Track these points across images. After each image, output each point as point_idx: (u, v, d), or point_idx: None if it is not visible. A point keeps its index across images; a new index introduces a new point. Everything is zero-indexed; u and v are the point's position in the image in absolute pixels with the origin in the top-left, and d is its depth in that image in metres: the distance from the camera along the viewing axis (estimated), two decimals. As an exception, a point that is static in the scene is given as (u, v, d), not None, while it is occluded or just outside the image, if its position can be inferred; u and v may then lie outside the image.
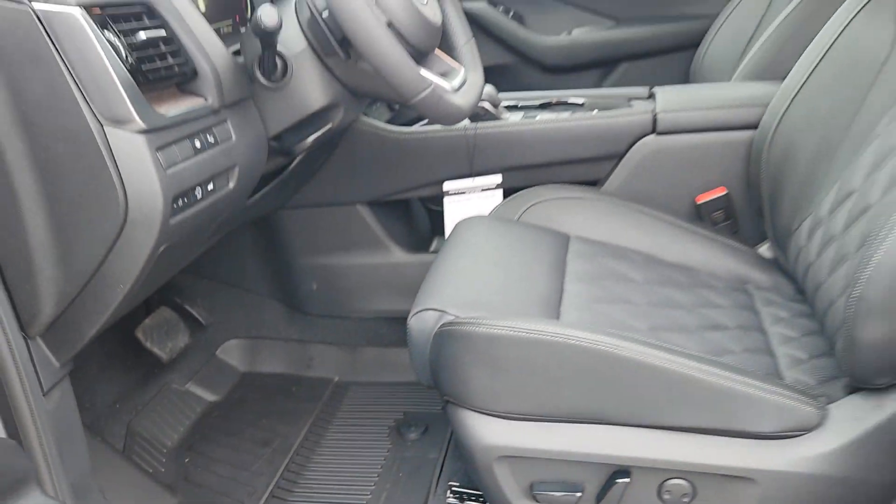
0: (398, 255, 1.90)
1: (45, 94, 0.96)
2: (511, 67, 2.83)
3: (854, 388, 1.15)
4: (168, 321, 1.81)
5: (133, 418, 1.71)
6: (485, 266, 1.43)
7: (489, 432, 1.19)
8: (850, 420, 1.11)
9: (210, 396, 1.90)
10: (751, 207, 1.71)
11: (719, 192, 1.72)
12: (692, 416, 1.13)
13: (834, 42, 1.47)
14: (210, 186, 1.16)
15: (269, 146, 1.33)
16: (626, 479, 1.17)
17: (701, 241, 1.65)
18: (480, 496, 1.39)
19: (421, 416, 1.79)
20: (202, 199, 1.15)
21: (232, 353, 2.02)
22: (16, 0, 0.92)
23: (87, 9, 0.96)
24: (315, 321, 2.01)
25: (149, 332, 1.75)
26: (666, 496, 1.18)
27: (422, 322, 1.29)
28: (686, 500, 1.17)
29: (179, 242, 1.14)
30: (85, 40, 0.95)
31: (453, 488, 1.42)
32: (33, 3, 0.93)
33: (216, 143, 1.16)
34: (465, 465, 1.29)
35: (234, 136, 1.21)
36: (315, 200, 1.87)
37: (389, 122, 1.87)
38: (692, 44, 2.57)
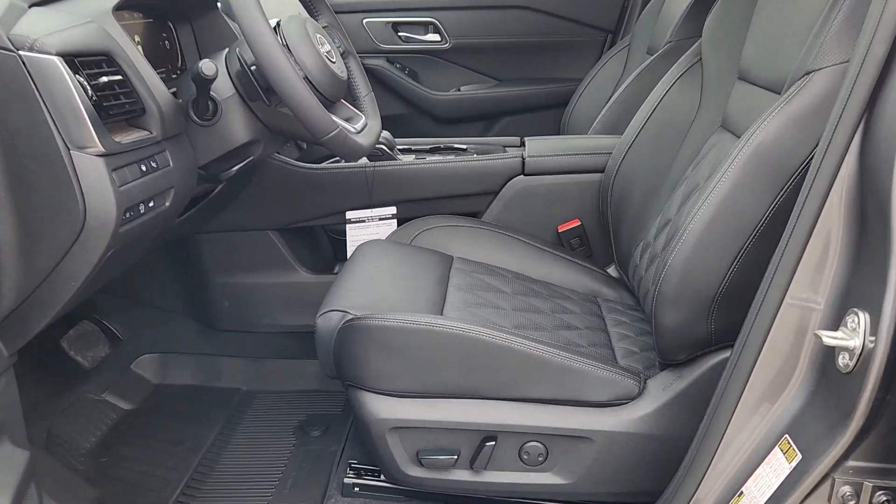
0: (303, 276, 2.15)
1: (24, 123, 1.17)
2: (406, 117, 3.16)
3: (664, 366, 1.49)
4: (89, 333, 1.97)
5: (53, 422, 1.86)
6: (381, 279, 1.71)
7: (382, 408, 1.46)
8: (661, 389, 1.45)
9: (125, 405, 2.06)
10: (601, 235, 2.08)
11: (575, 224, 2.07)
12: (545, 390, 1.44)
13: (657, 105, 1.87)
14: (151, 203, 1.39)
15: (199, 173, 1.57)
16: (493, 443, 1.45)
17: (561, 262, 1.99)
18: (376, 470, 1.64)
19: (323, 417, 2.02)
20: (145, 213, 1.37)
21: (146, 367, 2.18)
22: (6, 49, 1.14)
23: (63, 57, 1.19)
24: (225, 336, 2.21)
25: (72, 342, 1.91)
26: (525, 456, 1.47)
27: (327, 321, 1.55)
28: (541, 459, 1.47)
29: (123, 248, 1.36)
30: (61, 81, 1.17)
31: (352, 464, 1.66)
32: (20, 52, 1.15)
33: (158, 168, 1.39)
34: (362, 439, 1.54)
35: (171, 163, 1.44)
36: (230, 226, 2.10)
37: (298, 159, 2.13)
38: (562, 102, 2.99)
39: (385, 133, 2.07)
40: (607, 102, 2.43)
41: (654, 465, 1.45)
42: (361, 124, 1.64)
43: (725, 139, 1.66)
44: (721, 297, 1.35)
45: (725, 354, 1.38)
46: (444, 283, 1.78)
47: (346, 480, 1.64)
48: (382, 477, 1.62)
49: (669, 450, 1.44)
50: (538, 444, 1.46)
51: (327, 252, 2.32)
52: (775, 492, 1.18)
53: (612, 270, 2.06)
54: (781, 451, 1.21)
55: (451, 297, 1.71)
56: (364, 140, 1.58)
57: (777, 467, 1.20)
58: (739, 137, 1.40)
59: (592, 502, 1.56)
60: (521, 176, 2.09)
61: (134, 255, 1.55)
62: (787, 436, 1.20)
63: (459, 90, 3.16)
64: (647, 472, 1.45)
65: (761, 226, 1.31)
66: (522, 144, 2.21)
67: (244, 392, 2.17)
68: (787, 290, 1.16)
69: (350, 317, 1.51)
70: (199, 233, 2.10)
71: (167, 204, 1.45)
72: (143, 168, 1.35)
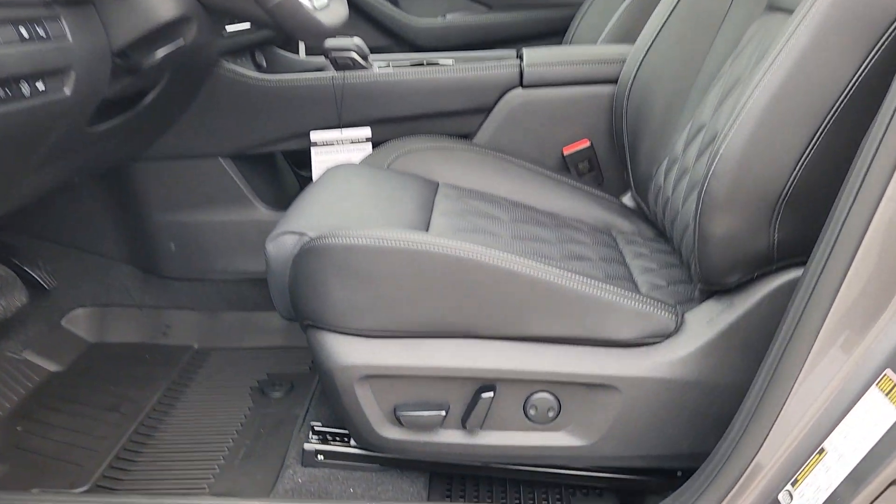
0: (263, 213, 1.82)
1: None
2: (385, 49, 2.82)
3: (707, 295, 1.17)
4: (2, 277, 1.64)
5: (-43, 385, 1.53)
6: (350, 201, 1.39)
7: (349, 352, 1.14)
8: (704, 323, 1.13)
9: (51, 366, 1.73)
10: (614, 158, 1.76)
11: (583, 144, 1.75)
12: (556, 326, 1.12)
13: (678, 2, 1.55)
14: (41, 86, 1.06)
15: (115, 62, 1.24)
16: (491, 395, 1.14)
17: (568, 190, 1.67)
18: (345, 434, 1.33)
19: (286, 376, 1.70)
20: (31, 97, 1.04)
21: (79, 322, 1.85)
22: None
23: None
24: (172, 285, 1.89)
25: (-22, 287, 1.58)
26: (531, 411, 1.16)
27: (280, 247, 1.22)
28: (551, 414, 1.16)
29: (7, 145, 1.03)
30: None
31: (315, 427, 1.34)
32: None
33: (47, 37, 1.06)
34: (327, 394, 1.22)
35: (70, 37, 1.11)
36: (173, 152, 1.76)
37: (255, 73, 1.80)
38: (560, 30, 2.65)
39: (356, 39, 1.73)
40: (615, 13, 2.11)
41: (694, 420, 1.14)
42: (322, 2, 1.30)
43: (773, 21, 1.33)
44: (788, 198, 1.03)
45: (793, 274, 1.08)
46: (428, 209, 1.45)
47: (308, 447, 1.32)
48: (352, 442, 1.30)
49: (715, 401, 1.13)
50: (548, 396, 1.15)
51: (290, 184, 1.99)
52: (875, 447, 0.88)
53: (627, 199, 1.74)
54: (881, 391, 0.90)
55: (437, 221, 1.39)
56: (323, 17, 1.25)
57: (875, 413, 0.90)
58: (793, 12, 1.08)
59: (615, 468, 1.25)
60: (519, 89, 1.76)
61: (30, 164, 1.21)
62: (888, 371, 0.89)
63: (445, 17, 2.81)
64: (686, 430, 1.15)
65: (843, 100, 1.00)
66: (520, 57, 1.88)
67: (196, 350, 1.85)
68: (888, 182, 0.86)
69: (308, 238, 1.18)
70: (137, 160, 1.76)
71: (67, 92, 1.12)
72: (24, 33, 1.01)
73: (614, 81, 1.72)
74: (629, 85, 1.64)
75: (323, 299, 1.14)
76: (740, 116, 1.05)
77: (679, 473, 1.22)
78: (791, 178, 1.02)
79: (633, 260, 1.46)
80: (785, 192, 1.03)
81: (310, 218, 1.27)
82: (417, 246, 1.10)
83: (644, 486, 1.27)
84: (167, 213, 1.82)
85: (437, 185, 1.59)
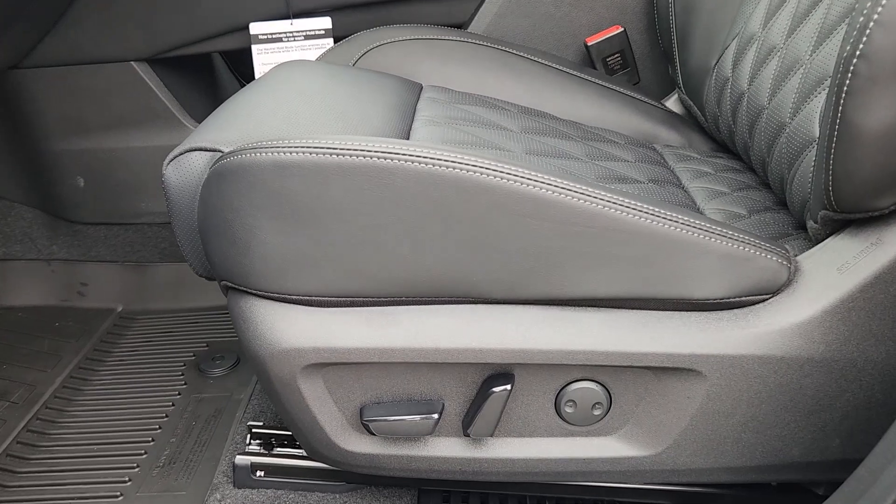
0: (196, 134, 1.40)
1: None
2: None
3: (831, 228, 0.77)
4: None
5: None
6: (296, 105, 0.96)
7: (287, 328, 0.74)
8: (832, 272, 0.73)
9: (-72, 340, 1.34)
10: (654, 48, 1.34)
11: (614, 31, 1.32)
12: (604, 280, 0.72)
13: None
14: None
15: None
16: (507, 387, 0.75)
17: (595, 92, 1.25)
18: (294, 438, 0.94)
19: (231, 347, 1.31)
20: None
21: (-33, 282, 1.46)
22: None
23: None
24: (87, 232, 1.48)
25: None
26: (567, 408, 0.77)
27: (183, 170, 0.82)
28: (598, 412, 0.77)
29: None
30: None
31: (253, 429, 0.95)
32: None
33: None
34: (262, 387, 0.83)
35: None
36: (67, 55, 1.33)
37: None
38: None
39: None
40: None
41: (815, 416, 0.76)
42: None
43: None
44: None
45: None
46: (409, 116, 1.04)
47: (240, 461, 0.93)
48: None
49: (850, 387, 0.74)
50: (592, 387, 0.76)
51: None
52: None
53: (672, 103, 1.32)
54: None
55: (421, 131, 0.97)
56: None
57: None
58: None
59: (684, 492, 0.87)
60: (526, -41, 1.32)
61: None
62: None
63: None
64: (802, 431, 0.76)
65: None
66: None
67: (119, 314, 1.45)
68: None
69: (220, 155, 0.77)
70: (20, 67, 1.33)
71: None
72: None
73: (654, -58, 1.29)
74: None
75: (244, 248, 0.73)
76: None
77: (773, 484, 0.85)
78: None
79: (691, 182, 1.06)
80: None
81: (230, 127, 0.86)
82: (393, 159, 0.69)
83: (718, 502, 0.90)
84: (68, 138, 1.40)
85: (421, 87, 1.18)
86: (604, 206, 0.70)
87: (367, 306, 0.74)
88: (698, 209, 0.97)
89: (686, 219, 0.72)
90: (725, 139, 1.15)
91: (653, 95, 1.32)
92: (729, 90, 1.09)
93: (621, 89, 1.28)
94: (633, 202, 0.72)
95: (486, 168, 0.69)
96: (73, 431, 1.14)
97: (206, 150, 0.81)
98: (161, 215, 1.45)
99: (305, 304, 0.74)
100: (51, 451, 1.10)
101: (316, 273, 0.72)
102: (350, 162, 0.69)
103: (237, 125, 0.87)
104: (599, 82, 1.27)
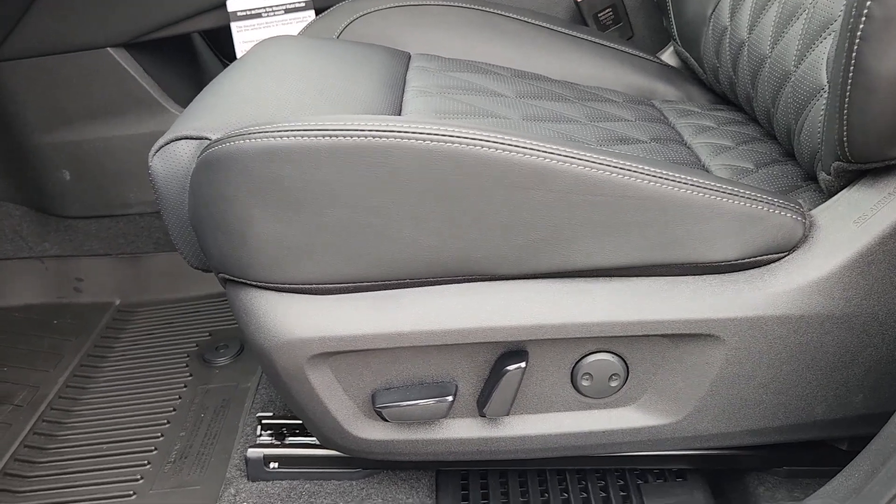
0: (181, 119, 1.36)
1: None
2: None
3: (845, 184, 0.74)
4: None
5: None
6: (282, 84, 0.93)
7: (292, 319, 0.71)
8: (849, 225, 0.71)
9: (-75, 347, 1.31)
10: (646, 3, 1.30)
11: (605, -15, 1.28)
12: (615, 249, 0.70)
13: None
14: None
15: None
16: (521, 364, 0.73)
17: (588, 49, 1.22)
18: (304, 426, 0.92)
19: (234, 335, 1.29)
20: None
21: (-42, 285, 1.43)
22: None
23: None
24: (78, 226, 1.44)
25: None
26: (584, 381, 0.75)
27: (171, 159, 0.79)
28: (615, 383, 0.75)
29: None
30: None
31: (263, 420, 0.93)
32: None
33: None
34: (269, 379, 0.81)
35: None
36: (42, 46, 1.29)
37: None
38: None
39: None
40: None
41: (837, 373, 0.74)
42: None
43: None
44: None
45: None
46: (399, 88, 1.00)
47: (253, 453, 0.91)
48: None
49: (871, 341, 0.72)
50: (608, 358, 0.74)
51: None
52: None
53: (667, 56, 1.28)
54: None
55: (413, 103, 0.94)
56: None
57: None
58: None
59: (704, 455, 0.86)
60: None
61: None
62: None
63: None
64: (824, 388, 0.75)
65: None
66: None
67: (118, 307, 1.42)
68: None
69: (208, 142, 0.74)
70: (-5, 61, 1.29)
71: None
72: None
73: None
74: None
75: (240, 238, 0.70)
76: None
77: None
78: None
79: (694, 137, 1.03)
80: None
81: (215, 112, 0.83)
82: (388, 137, 0.66)
83: (740, 462, 0.89)
84: (50, 131, 1.35)
85: (409, 56, 1.14)
86: (611, 173, 0.68)
87: (372, 290, 0.72)
88: (703, 166, 0.95)
89: (696, 180, 0.69)
90: (726, 91, 1.12)
91: (647, 49, 1.28)
92: (728, 40, 1.05)
93: (615, 45, 1.24)
94: (640, 166, 0.69)
95: (486, 140, 0.66)
96: (81, 431, 1.12)
97: (192, 138, 0.78)
98: (152, 204, 1.41)
99: (307, 293, 0.71)
100: (59, 452, 1.08)
101: (315, 260, 0.70)
102: (343, 143, 0.66)
103: (222, 110, 0.83)
104: (592, 39, 1.23)
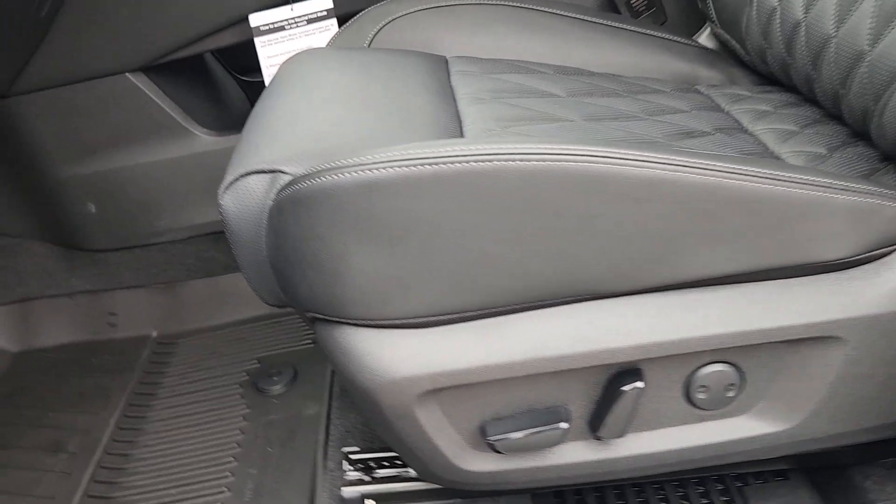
0: (206, 141, 1.31)
1: None
2: None
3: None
4: None
5: None
6: (335, 102, 0.89)
7: (398, 356, 0.68)
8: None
9: (-38, 398, 1.27)
10: (680, -15, 1.27)
11: (636, -30, 1.25)
12: (728, 256, 0.67)
13: None
14: None
15: None
16: (638, 384, 0.70)
17: (624, 38, 1.18)
18: (395, 458, 0.89)
19: (284, 359, 1.25)
20: None
21: (-8, 329, 1.38)
22: None
23: None
24: (107, 259, 1.40)
25: None
26: (700, 395, 0.72)
27: (243, 197, 0.74)
28: (730, 393, 0.73)
29: None
30: None
31: (351, 457, 0.90)
32: None
33: None
34: (365, 416, 0.78)
35: None
36: (57, 76, 1.23)
37: None
38: None
39: None
40: None
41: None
42: None
43: None
44: None
45: None
46: (448, 94, 0.97)
47: (349, 493, 0.88)
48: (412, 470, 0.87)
49: None
50: (724, 369, 0.71)
51: (235, 98, 1.46)
52: None
53: (704, 39, 1.25)
54: None
55: (470, 115, 0.90)
56: None
57: None
58: None
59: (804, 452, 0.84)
60: None
61: None
62: None
63: None
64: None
65: None
66: None
67: (155, 339, 1.38)
68: None
69: (289, 178, 0.70)
70: (8, 96, 1.23)
71: None
72: None
73: None
74: None
75: (334, 277, 0.67)
76: None
77: None
78: None
79: (754, 124, 1.00)
80: None
81: (281, 143, 0.78)
82: (493, 161, 0.62)
83: (840, 457, 0.87)
84: (72, 163, 1.30)
85: (445, 60, 1.10)
86: (721, 179, 0.65)
87: (476, 319, 0.68)
88: (773, 154, 0.92)
89: (808, 178, 0.67)
90: (775, 72, 1.09)
91: (683, 34, 1.24)
92: (779, 20, 1.02)
93: (652, 32, 1.20)
94: (749, 168, 0.66)
95: (595, 155, 0.63)
96: (144, 476, 1.09)
97: (265, 171, 0.74)
98: (181, 231, 1.37)
99: (410, 328, 0.68)
100: (126, 500, 1.05)
101: (418, 293, 0.67)
102: (446, 170, 0.62)
103: (287, 140, 0.79)
104: (627, 27, 1.20)
